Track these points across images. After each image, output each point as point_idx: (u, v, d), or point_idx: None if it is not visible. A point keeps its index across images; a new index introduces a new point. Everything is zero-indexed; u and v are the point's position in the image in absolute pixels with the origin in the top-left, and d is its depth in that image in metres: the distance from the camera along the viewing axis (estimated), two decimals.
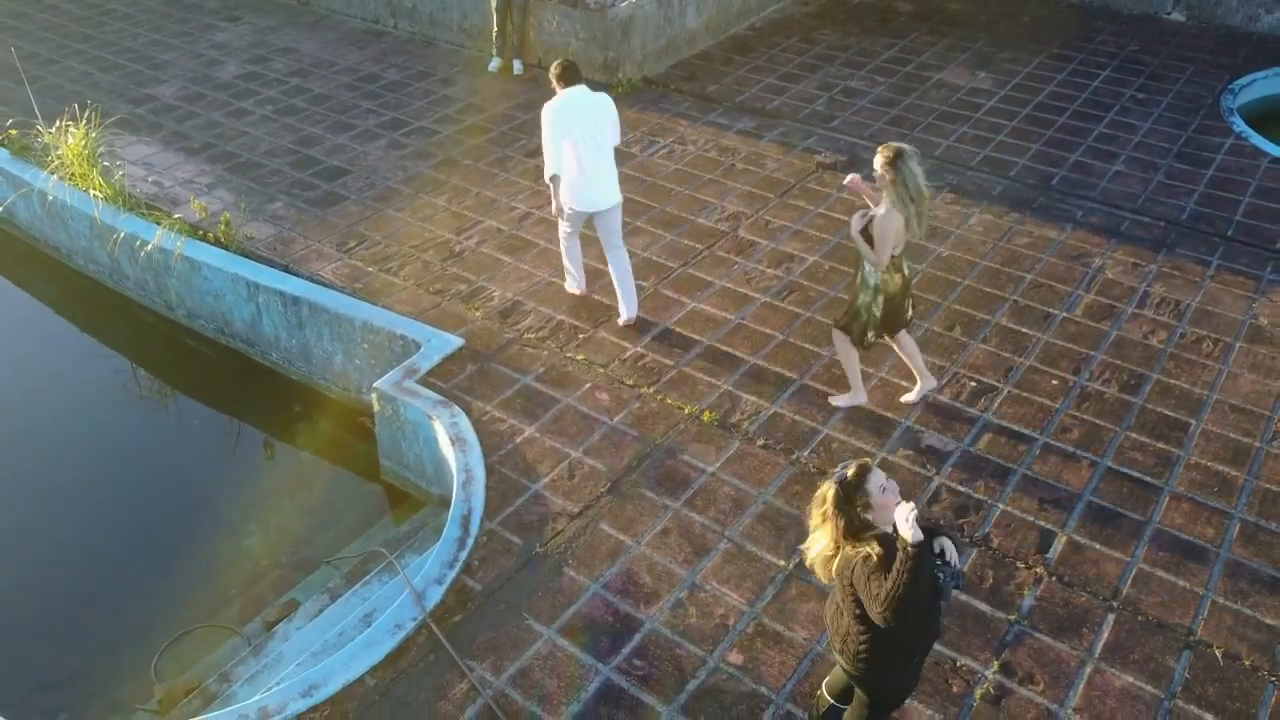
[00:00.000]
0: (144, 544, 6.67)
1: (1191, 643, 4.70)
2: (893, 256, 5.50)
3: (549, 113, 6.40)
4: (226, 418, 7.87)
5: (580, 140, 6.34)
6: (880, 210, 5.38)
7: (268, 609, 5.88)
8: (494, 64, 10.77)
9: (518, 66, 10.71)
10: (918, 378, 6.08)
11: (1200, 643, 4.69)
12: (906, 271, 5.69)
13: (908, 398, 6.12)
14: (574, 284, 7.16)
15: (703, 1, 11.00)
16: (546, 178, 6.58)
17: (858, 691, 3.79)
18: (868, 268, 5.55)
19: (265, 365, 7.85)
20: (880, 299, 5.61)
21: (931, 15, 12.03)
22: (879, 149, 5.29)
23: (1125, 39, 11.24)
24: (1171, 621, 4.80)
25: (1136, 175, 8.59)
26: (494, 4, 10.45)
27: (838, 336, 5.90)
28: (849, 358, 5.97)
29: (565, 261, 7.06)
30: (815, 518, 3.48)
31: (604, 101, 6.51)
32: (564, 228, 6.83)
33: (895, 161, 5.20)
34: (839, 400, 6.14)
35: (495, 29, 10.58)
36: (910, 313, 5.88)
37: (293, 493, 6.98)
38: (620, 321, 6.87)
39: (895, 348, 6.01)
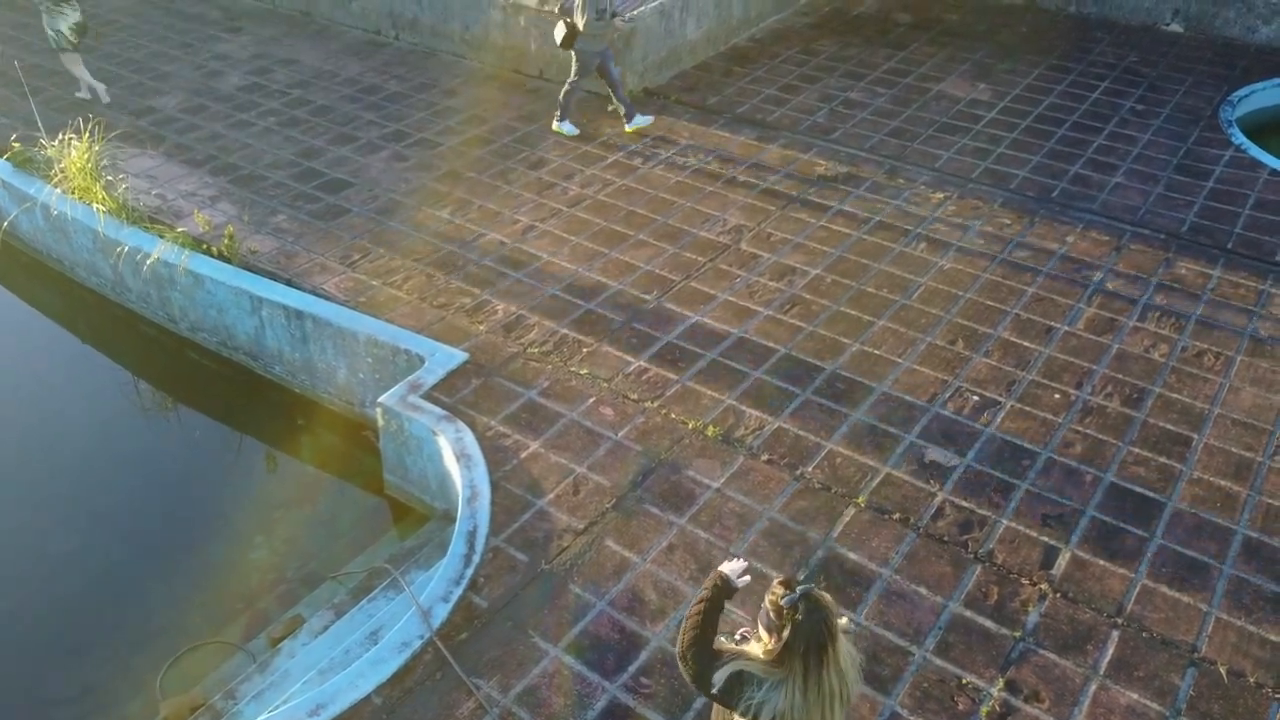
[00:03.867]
0: (147, 559, 6.67)
1: (1196, 660, 4.72)
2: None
3: None
4: (229, 431, 7.88)
5: None
6: None
7: (273, 625, 5.88)
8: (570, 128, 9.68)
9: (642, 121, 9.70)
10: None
11: (1204, 660, 4.71)
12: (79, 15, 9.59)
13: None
14: None
15: (703, 12, 11.03)
16: None
17: None
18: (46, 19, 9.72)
19: (268, 379, 7.86)
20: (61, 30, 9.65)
21: (930, 26, 12.07)
22: None
23: (1124, 50, 11.29)
24: (1176, 638, 4.82)
25: (1136, 187, 8.62)
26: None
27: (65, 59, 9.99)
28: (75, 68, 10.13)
29: None
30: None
31: None
32: None
33: None
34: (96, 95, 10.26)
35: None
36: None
37: (296, 506, 6.99)
38: None
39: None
